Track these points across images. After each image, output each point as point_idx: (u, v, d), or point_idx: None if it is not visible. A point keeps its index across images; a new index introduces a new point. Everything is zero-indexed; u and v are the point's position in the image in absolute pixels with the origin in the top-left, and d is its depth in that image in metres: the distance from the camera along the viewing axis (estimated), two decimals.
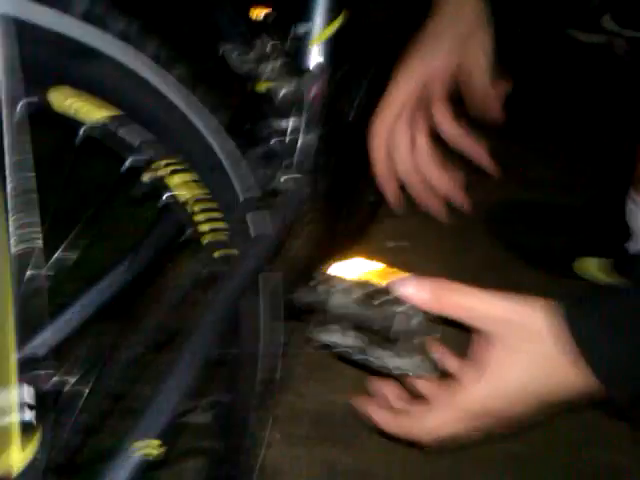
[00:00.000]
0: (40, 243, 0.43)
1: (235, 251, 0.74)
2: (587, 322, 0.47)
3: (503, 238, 1.31)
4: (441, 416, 0.54)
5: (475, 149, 0.77)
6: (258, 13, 0.73)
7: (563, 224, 1.28)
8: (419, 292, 0.53)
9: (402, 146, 0.76)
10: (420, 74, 0.73)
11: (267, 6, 0.75)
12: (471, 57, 0.73)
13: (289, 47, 0.80)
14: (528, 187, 1.44)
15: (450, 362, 0.57)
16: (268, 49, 0.73)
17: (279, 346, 0.88)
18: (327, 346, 0.61)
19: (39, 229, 0.43)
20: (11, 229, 0.40)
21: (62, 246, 0.68)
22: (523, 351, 0.49)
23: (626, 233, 1.17)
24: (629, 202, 1.16)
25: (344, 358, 0.61)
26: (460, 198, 0.79)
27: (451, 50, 0.72)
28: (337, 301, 0.59)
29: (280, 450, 1.06)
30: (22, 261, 0.41)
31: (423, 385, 0.58)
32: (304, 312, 0.62)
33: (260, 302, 0.83)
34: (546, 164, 1.50)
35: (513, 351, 0.49)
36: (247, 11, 0.70)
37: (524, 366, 0.49)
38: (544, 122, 1.57)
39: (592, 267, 1.24)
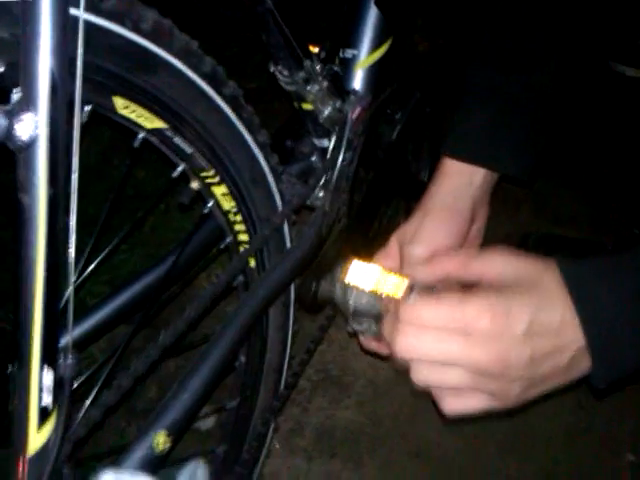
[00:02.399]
0: (72, 247, 0.45)
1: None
2: (575, 267, 0.50)
3: None
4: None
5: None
6: (314, 48, 0.76)
7: None
8: (448, 264, 0.56)
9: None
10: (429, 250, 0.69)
11: (320, 41, 0.78)
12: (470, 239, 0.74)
13: (336, 70, 0.83)
14: (560, 222, 1.45)
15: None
16: (316, 71, 0.76)
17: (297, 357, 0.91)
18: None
19: (73, 233, 0.45)
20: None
21: (105, 251, 0.70)
22: (530, 285, 0.50)
23: None
24: None
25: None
26: None
27: (457, 228, 0.71)
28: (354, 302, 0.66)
29: (280, 460, 1.08)
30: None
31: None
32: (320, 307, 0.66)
33: (290, 314, 0.86)
34: (580, 200, 1.50)
35: (521, 286, 0.50)
36: (299, 33, 0.73)
37: (531, 294, 0.49)
38: (584, 158, 1.58)
39: None
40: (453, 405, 0.52)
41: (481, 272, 0.53)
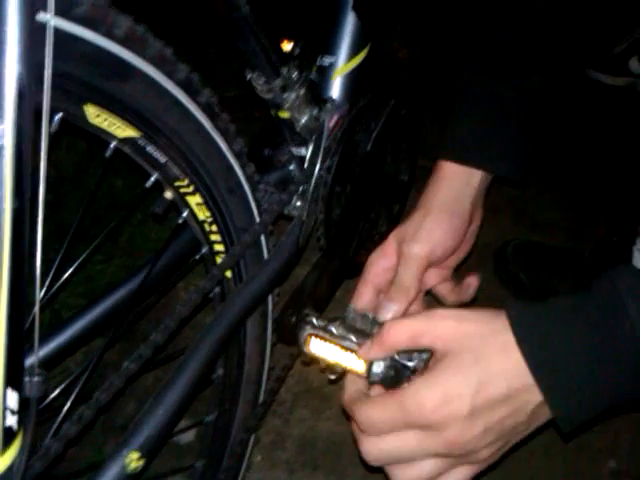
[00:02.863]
0: (39, 262, 0.43)
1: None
2: (526, 313, 0.49)
3: (507, 278, 1.32)
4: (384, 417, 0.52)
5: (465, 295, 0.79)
6: (287, 44, 0.75)
7: (569, 268, 1.28)
8: (370, 351, 0.57)
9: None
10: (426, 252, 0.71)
11: (294, 38, 0.77)
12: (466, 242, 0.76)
13: (313, 77, 0.82)
14: (538, 230, 1.45)
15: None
16: (293, 78, 0.75)
17: (275, 369, 0.89)
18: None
19: (39, 244, 0.43)
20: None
21: (77, 262, 0.69)
22: (467, 349, 0.50)
23: None
24: (635, 250, 1.16)
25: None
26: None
27: (457, 230, 0.73)
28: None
29: (261, 473, 1.06)
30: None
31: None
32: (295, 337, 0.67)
33: (268, 325, 0.84)
34: (559, 208, 1.51)
35: (457, 353, 0.50)
36: (275, 40, 0.72)
37: (472, 367, 0.49)
38: (561, 165, 1.58)
39: None
40: None
41: (430, 343, 0.53)
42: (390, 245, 0.73)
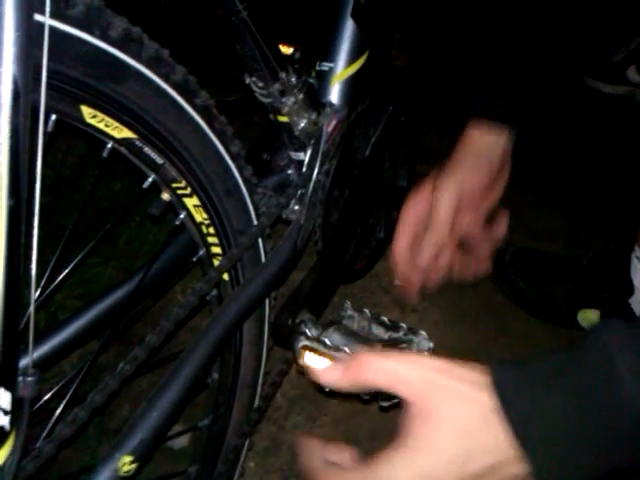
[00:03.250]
0: (34, 263, 0.43)
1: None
2: (510, 378, 0.44)
3: (505, 284, 1.31)
4: None
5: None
6: (287, 49, 0.75)
7: (567, 275, 1.28)
8: (334, 376, 0.50)
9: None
10: (459, 187, 0.79)
11: (294, 43, 0.78)
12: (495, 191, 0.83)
13: (312, 82, 0.83)
14: (536, 237, 1.45)
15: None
16: (292, 83, 0.75)
17: (270, 374, 0.89)
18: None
19: (35, 244, 0.43)
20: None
21: (72, 263, 0.69)
22: (447, 417, 0.44)
23: (630, 289, 1.18)
24: (634, 258, 1.16)
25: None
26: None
27: (486, 174, 0.80)
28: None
29: (255, 479, 1.05)
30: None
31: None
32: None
33: (264, 329, 0.84)
34: (557, 215, 1.51)
35: (435, 420, 0.44)
36: (274, 45, 0.73)
37: (449, 435, 0.44)
38: (560, 173, 1.59)
39: (595, 319, 1.24)
40: None
41: (407, 395, 0.46)
42: (425, 190, 0.80)
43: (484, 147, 0.80)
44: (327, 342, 0.65)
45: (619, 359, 0.41)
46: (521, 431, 0.43)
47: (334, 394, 0.67)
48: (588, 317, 1.25)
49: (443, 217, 0.78)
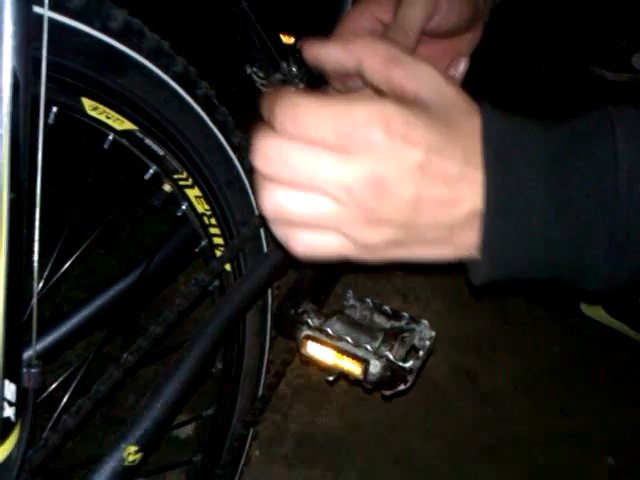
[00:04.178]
0: (36, 255, 0.43)
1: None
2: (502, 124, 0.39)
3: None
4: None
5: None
6: (288, 39, 0.75)
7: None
8: (372, 58, 0.41)
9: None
10: None
11: (295, 33, 0.77)
12: None
13: (313, 71, 0.82)
14: None
15: None
16: (293, 73, 0.75)
17: (274, 363, 0.90)
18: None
19: (37, 236, 0.43)
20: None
21: (75, 255, 0.69)
22: (442, 125, 0.38)
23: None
24: None
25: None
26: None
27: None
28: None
29: (259, 468, 1.07)
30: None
31: None
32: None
33: (267, 318, 0.84)
34: None
35: (431, 116, 0.38)
36: (275, 34, 0.72)
37: (438, 133, 0.38)
38: None
39: (599, 307, 1.24)
40: (301, 242, 0.41)
41: (400, 85, 0.41)
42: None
43: None
44: (329, 331, 0.65)
45: (617, 119, 0.37)
46: (490, 184, 0.38)
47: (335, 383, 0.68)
48: (595, 308, 1.25)
49: (409, 25, 0.52)
